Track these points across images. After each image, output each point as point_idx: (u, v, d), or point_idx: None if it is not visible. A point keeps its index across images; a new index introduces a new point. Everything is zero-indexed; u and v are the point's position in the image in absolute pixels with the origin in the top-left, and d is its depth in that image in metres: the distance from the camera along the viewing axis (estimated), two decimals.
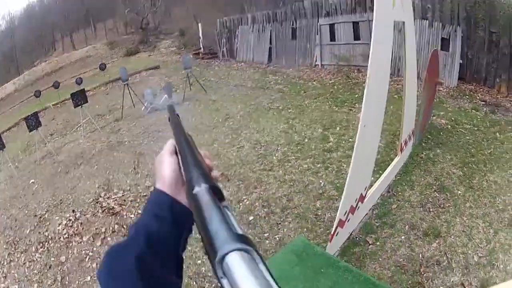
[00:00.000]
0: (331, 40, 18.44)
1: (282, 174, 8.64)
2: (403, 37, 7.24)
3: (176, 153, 1.10)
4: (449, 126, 10.09)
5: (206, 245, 0.62)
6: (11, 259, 8.64)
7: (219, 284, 0.57)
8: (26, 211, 10.45)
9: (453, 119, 10.58)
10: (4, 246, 9.17)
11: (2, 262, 8.72)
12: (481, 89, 13.24)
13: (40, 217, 9.81)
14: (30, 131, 15.27)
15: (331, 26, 18.35)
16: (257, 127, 11.83)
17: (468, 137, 9.32)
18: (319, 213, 6.93)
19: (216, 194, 0.73)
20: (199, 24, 29.77)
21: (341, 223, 5.39)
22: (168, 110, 1.50)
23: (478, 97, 12.55)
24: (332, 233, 5.40)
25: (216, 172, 1.03)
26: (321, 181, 8.01)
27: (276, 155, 9.67)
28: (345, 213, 5.38)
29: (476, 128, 9.92)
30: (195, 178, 0.77)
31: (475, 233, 5.87)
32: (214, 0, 33.10)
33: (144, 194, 9.29)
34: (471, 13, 13.61)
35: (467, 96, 12.61)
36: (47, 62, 45.52)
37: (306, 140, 10.24)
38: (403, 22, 6.92)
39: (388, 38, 5.67)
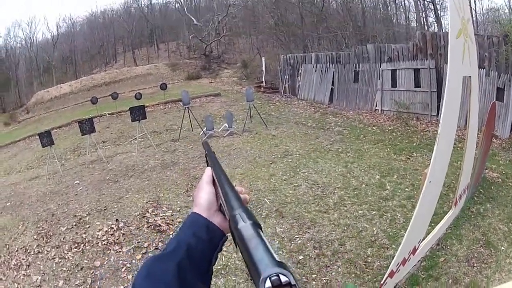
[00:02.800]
0: (392, 86, 18.45)
1: (337, 217, 8.59)
2: (469, 92, 7.28)
3: (213, 183, 1.22)
4: (500, 180, 9.95)
5: (251, 270, 0.72)
6: (40, 250, 8.86)
7: None
8: (66, 209, 10.71)
9: (504, 172, 10.47)
10: (34, 237, 9.45)
11: (29, 250, 8.98)
12: None
13: (80, 219, 10.01)
14: (83, 135, 15.72)
15: (393, 72, 18.40)
16: (315, 167, 11.70)
17: None
18: (369, 260, 6.88)
19: (258, 228, 0.83)
20: (262, 58, 29.98)
21: (391, 274, 5.40)
22: (204, 146, 1.64)
23: None
24: (381, 282, 5.43)
25: (246, 195, 1.17)
26: (374, 229, 7.95)
27: (333, 198, 9.57)
28: (397, 264, 5.39)
29: None
30: (240, 215, 0.88)
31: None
32: (278, 35, 33.37)
33: None
34: None
35: None
36: (106, 72, 46.50)
37: (363, 186, 10.14)
38: (469, 77, 6.97)
39: (457, 95, 5.76)
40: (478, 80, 8.18)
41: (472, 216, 8.13)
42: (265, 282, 0.65)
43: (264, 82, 29.03)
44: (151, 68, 44.11)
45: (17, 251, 9.19)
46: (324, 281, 6.51)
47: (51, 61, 50.95)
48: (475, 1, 25.73)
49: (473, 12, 25.17)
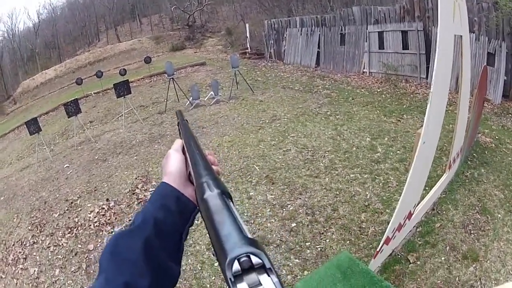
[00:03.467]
0: (379, 48, 18.26)
1: (329, 182, 8.48)
2: (461, 52, 7.12)
3: (183, 152, 1.16)
4: (493, 145, 9.89)
5: (216, 248, 0.63)
6: (35, 241, 8.78)
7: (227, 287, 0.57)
8: (57, 195, 10.63)
9: (497, 137, 10.38)
10: (29, 228, 9.36)
11: (24, 243, 8.89)
12: None
13: (72, 202, 9.94)
14: (69, 117, 15.53)
15: (380, 34, 18.20)
16: (304, 131, 11.64)
17: (510, 158, 9.11)
18: (363, 226, 6.80)
19: (227, 198, 0.76)
20: (246, 24, 29.94)
21: (387, 240, 5.29)
22: (177, 115, 1.55)
23: None
24: (377, 250, 5.30)
25: (218, 167, 1.10)
26: (367, 193, 7.85)
27: (323, 161, 9.48)
28: (393, 230, 5.28)
29: None
30: (206, 183, 0.81)
31: (509, 259, 5.78)
32: (262, 1, 33.13)
33: None
34: None
35: (510, 115, 12.41)
36: (90, 52, 46.73)
37: (354, 148, 10.06)
38: (461, 36, 6.78)
39: (449, 53, 5.55)
40: (469, 41, 7.99)
41: (467, 180, 8.03)
42: (232, 265, 0.57)
43: (249, 48, 28.95)
44: (135, 43, 44.46)
45: (13, 245, 9.10)
46: (319, 248, 6.41)
47: (34, 48, 51.29)
48: None
49: None
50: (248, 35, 29.17)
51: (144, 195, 9.31)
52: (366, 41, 18.83)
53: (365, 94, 15.52)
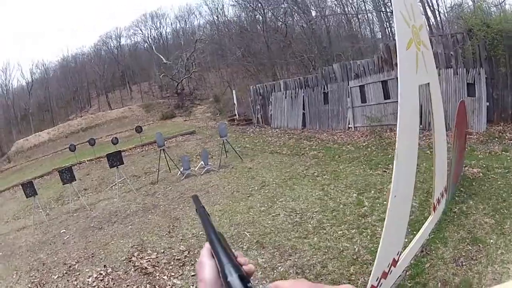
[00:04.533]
0: (362, 102, 18.72)
1: (317, 241, 8.59)
2: (429, 97, 7.42)
3: (213, 256, 1.15)
4: (481, 174, 10.05)
5: None
6: None
7: None
8: (55, 258, 10.76)
9: (484, 165, 10.58)
10: (29, 285, 9.46)
11: None
12: (509, 128, 13.31)
13: (70, 266, 10.03)
14: (64, 184, 15.70)
15: (361, 88, 18.71)
16: (292, 194, 11.79)
17: (499, 182, 9.28)
18: (353, 278, 6.88)
19: (245, 280, 0.87)
20: (233, 91, 30.35)
21: None
22: (194, 201, 1.63)
23: (507, 137, 12.66)
24: None
25: (251, 265, 1.10)
26: (355, 247, 7.97)
27: (311, 222, 9.60)
28: (377, 279, 5.39)
29: (506, 171, 9.92)
30: (228, 269, 0.91)
31: (505, 278, 5.86)
32: (247, 66, 33.74)
33: (178, 257, 9.33)
34: (490, 51, 13.74)
35: (496, 139, 12.68)
36: (82, 117, 47.26)
37: (341, 206, 10.19)
38: (428, 83, 7.10)
39: (414, 104, 5.90)
40: (443, 80, 8.31)
41: (455, 216, 8.18)
42: None
43: (237, 115, 29.42)
44: (126, 111, 44.94)
45: None
46: None
47: (27, 108, 51.78)
48: (437, 0, 26.13)
49: (436, 12, 25.63)
50: (235, 101, 29.59)
51: (140, 263, 9.40)
52: (349, 97, 19.29)
53: (351, 150, 15.81)
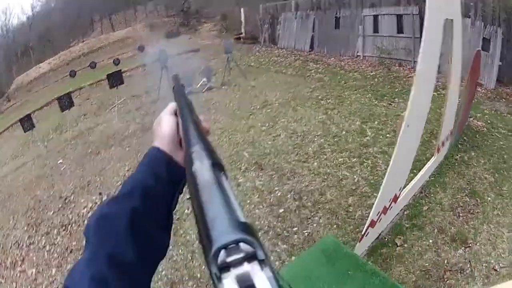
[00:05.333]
0: (374, 32, 18.17)
1: (317, 166, 8.49)
2: (451, 36, 7.02)
3: (175, 114, 1.11)
4: (485, 129, 9.83)
5: (201, 233, 0.53)
6: (31, 241, 8.76)
7: (212, 283, 0.47)
8: (52, 192, 10.62)
9: (489, 122, 10.33)
10: (25, 228, 9.34)
11: (21, 244, 8.87)
12: None
13: (66, 199, 9.95)
14: (63, 111, 15.55)
15: (375, 18, 18.06)
16: (295, 115, 11.66)
17: (502, 142, 9.06)
18: (350, 210, 6.77)
19: (220, 172, 0.66)
20: (241, 9, 29.77)
21: (372, 223, 5.27)
22: (173, 80, 1.48)
23: None
24: (362, 233, 5.29)
25: (207, 125, 1.06)
26: (355, 176, 7.85)
27: (312, 146, 9.48)
28: (378, 213, 5.26)
29: (510, 134, 9.65)
30: (197, 153, 0.72)
31: (499, 242, 5.72)
32: None
33: None
34: (510, 16, 13.34)
35: (504, 100, 12.33)
36: (84, 42, 46.97)
37: (344, 132, 10.03)
38: (452, 20, 6.69)
39: (438, 37, 5.53)
40: (461, 26, 7.92)
41: (456, 164, 8.02)
42: (218, 256, 0.47)
43: (244, 33, 28.94)
44: (129, 32, 44.55)
45: (11, 248, 9.10)
46: (306, 234, 6.41)
47: (28, 43, 50.89)
48: None
49: None
50: (243, 19, 29.11)
51: None
52: (361, 25, 18.75)
53: (358, 78, 15.47)
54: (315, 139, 9.85)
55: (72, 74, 26.38)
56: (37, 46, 51.60)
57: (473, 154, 8.35)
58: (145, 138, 12.47)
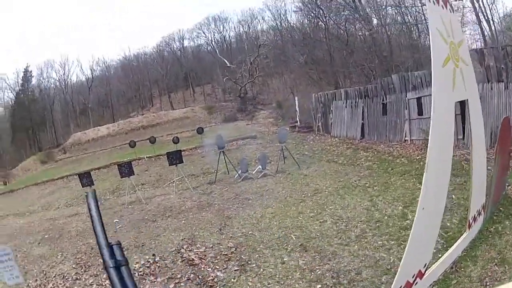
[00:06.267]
0: (419, 114, 18.53)
1: (357, 249, 8.89)
2: (468, 113, 7.61)
3: None
4: None
5: None
6: (78, 277, 9.64)
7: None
8: None
9: None
10: (73, 266, 10.26)
11: (66, 277, 9.84)
12: None
13: None
14: (122, 177, 16.58)
15: (418, 100, 18.52)
16: (342, 203, 12.12)
17: None
18: (382, 287, 7.17)
19: None
20: (296, 98, 30.52)
21: None
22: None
23: None
24: None
25: None
26: (391, 257, 8.18)
27: (355, 231, 9.93)
28: (401, 287, 5.62)
29: None
30: None
31: None
32: (310, 74, 33.78)
33: (225, 253, 9.89)
34: None
35: None
36: (143, 115, 48.32)
37: (386, 217, 10.40)
38: (467, 100, 7.28)
39: (449, 120, 6.17)
40: (479, 100, 8.28)
41: (490, 236, 8.16)
42: None
43: (298, 122, 29.64)
44: (188, 112, 45.56)
45: (54, 277, 9.99)
46: None
47: (87, 103, 53.09)
48: (490, 10, 25.57)
49: (491, 21, 25.04)
50: (297, 108, 29.76)
51: (188, 254, 10.05)
52: (406, 109, 19.23)
53: (405, 163, 15.85)
54: (358, 224, 10.28)
55: (132, 144, 27.48)
56: (95, 108, 54.12)
57: (507, 223, 8.49)
58: (200, 215, 13.25)
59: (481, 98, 9.90)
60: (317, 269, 8.32)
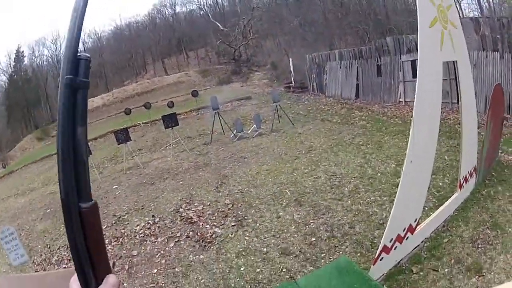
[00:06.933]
0: (413, 77, 18.39)
1: (350, 204, 9.18)
2: (457, 75, 7.79)
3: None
4: None
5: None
6: None
7: None
8: (106, 211, 11.72)
9: None
10: None
11: (50, 248, 10.27)
12: None
13: (119, 217, 11.03)
14: (119, 144, 16.67)
15: (413, 62, 18.42)
16: (335, 160, 12.42)
17: None
18: (375, 241, 7.32)
19: None
20: (290, 59, 30.51)
21: (386, 249, 5.88)
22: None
23: None
24: (375, 257, 5.91)
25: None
26: (383, 213, 8.42)
27: (348, 186, 10.24)
28: (391, 240, 5.86)
29: None
30: None
31: None
32: (304, 35, 33.65)
33: (222, 210, 10.23)
34: None
35: None
36: (138, 83, 47.70)
37: (379, 174, 10.69)
38: (455, 61, 7.47)
39: (436, 79, 6.32)
40: (469, 63, 8.35)
41: (482, 198, 8.32)
42: None
43: (293, 82, 29.65)
44: (182, 76, 45.09)
45: (58, 249, 10.17)
46: (332, 259, 7.05)
47: None
48: None
49: None
50: (292, 69, 29.79)
51: (187, 213, 10.31)
52: (400, 71, 19.37)
53: (398, 123, 16.06)
54: (352, 180, 10.57)
55: (127, 111, 27.10)
56: (90, 80, 52.97)
57: (499, 188, 8.69)
58: (197, 175, 13.50)
59: (475, 65, 9.98)
60: (311, 223, 8.63)
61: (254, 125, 17.95)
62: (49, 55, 54.37)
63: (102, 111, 41.75)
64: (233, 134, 17.79)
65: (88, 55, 0.93)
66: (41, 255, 10.30)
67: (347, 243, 7.60)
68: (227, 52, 45.21)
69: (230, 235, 8.92)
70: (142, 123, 27.90)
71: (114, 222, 10.79)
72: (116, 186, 14.39)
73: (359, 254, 7.16)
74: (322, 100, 24.30)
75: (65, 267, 9.25)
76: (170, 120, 17.42)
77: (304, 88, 28.08)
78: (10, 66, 52.75)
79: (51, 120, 47.41)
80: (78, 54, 0.91)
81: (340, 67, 24.06)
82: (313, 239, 7.97)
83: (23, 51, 52.82)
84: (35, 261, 10.12)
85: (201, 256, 8.51)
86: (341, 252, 7.32)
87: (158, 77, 47.24)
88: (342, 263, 5.52)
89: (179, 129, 19.03)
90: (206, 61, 49.87)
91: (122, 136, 16.68)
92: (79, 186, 0.95)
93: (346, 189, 10.12)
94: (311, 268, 6.97)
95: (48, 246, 10.61)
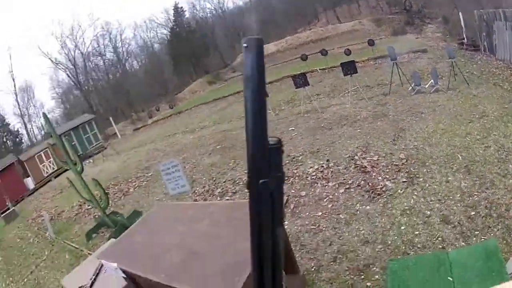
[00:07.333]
0: None
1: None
2: None
3: None
4: None
5: None
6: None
7: None
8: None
9: None
10: (245, 171, 12.02)
11: (237, 182, 11.40)
12: None
13: (293, 158, 12.07)
14: (297, 88, 17.85)
15: None
16: (505, 131, 11.57)
17: None
18: None
19: None
20: (460, 13, 29.66)
21: None
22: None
23: None
24: None
25: None
26: None
27: None
28: None
29: None
30: None
31: None
32: None
33: (396, 163, 10.58)
34: None
35: None
36: (311, 30, 48.89)
37: None
38: None
39: None
40: None
41: None
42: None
43: (465, 39, 28.75)
44: (356, 25, 45.15)
45: (224, 182, 11.55)
46: (483, 239, 7.08)
47: (248, 25, 54.77)
48: None
49: None
50: (463, 25, 28.96)
51: (361, 162, 11.04)
52: None
53: None
54: None
55: (304, 57, 28.44)
56: (259, 29, 54.86)
57: None
58: (375, 124, 14.08)
59: None
60: (475, 195, 8.48)
61: (431, 80, 17.89)
62: (212, 8, 58.26)
63: (276, 57, 43.55)
64: (411, 87, 17.97)
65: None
66: (204, 186, 11.79)
67: (499, 226, 7.31)
68: (398, 2, 44.47)
69: (399, 191, 9.22)
70: (320, 69, 28.65)
71: (287, 161, 11.68)
72: (293, 128, 15.52)
73: (504, 242, 6.82)
74: (493, 62, 22.92)
75: (227, 199, 10.47)
76: (349, 68, 17.90)
77: (477, 47, 26.92)
78: (170, 21, 57.46)
79: (224, 65, 50.68)
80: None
81: (506, 28, 22.06)
82: (473, 213, 7.86)
83: (181, 7, 55.93)
84: (196, 191, 11.54)
85: (367, 207, 9.00)
86: (491, 234, 7.12)
87: (331, 25, 47.87)
88: (490, 247, 5.33)
89: (358, 77, 19.22)
90: (377, 10, 49.19)
91: (300, 80, 17.76)
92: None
93: (510, 166, 9.41)
94: (463, 243, 7.09)
95: (214, 178, 12.06)
